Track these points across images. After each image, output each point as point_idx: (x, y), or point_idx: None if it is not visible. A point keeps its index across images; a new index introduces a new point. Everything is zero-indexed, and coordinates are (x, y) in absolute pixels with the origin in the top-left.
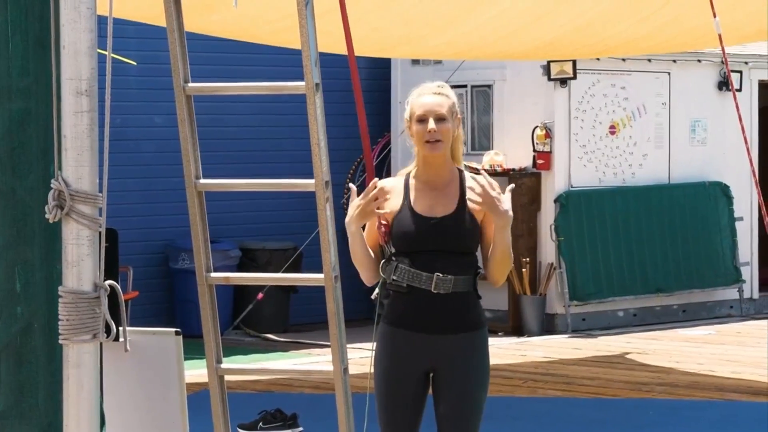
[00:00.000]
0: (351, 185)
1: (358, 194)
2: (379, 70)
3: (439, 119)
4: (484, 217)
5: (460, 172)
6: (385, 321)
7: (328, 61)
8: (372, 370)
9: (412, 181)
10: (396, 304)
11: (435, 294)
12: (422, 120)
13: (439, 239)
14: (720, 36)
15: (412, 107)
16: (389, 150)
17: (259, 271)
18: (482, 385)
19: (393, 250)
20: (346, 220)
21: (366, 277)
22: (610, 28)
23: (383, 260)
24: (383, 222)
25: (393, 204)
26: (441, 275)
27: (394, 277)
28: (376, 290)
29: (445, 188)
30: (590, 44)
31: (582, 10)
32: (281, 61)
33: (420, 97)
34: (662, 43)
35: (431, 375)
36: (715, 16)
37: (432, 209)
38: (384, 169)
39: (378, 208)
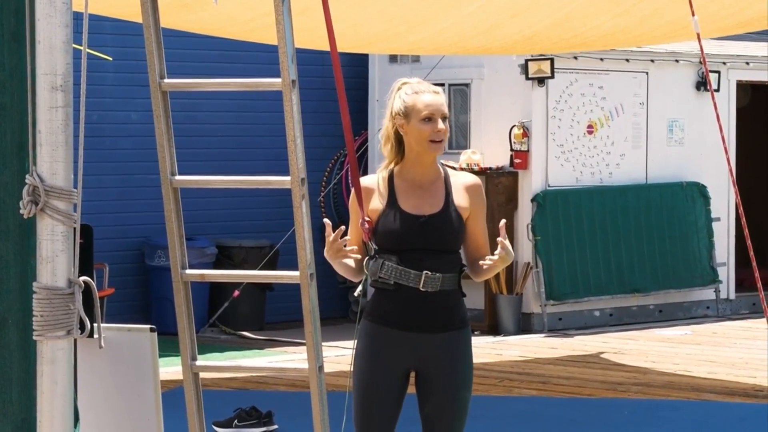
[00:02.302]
0: (326, 220)
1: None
2: (357, 68)
3: (444, 119)
4: (469, 215)
5: (444, 169)
6: (367, 318)
7: (303, 58)
8: (351, 368)
9: (396, 179)
10: (381, 301)
11: (422, 292)
12: (428, 119)
13: (428, 238)
14: (698, 35)
15: (413, 104)
16: (366, 148)
17: (235, 268)
18: (467, 385)
19: (376, 247)
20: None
21: (354, 279)
22: (589, 21)
23: (367, 257)
24: (366, 219)
25: (377, 202)
26: (430, 273)
27: (381, 275)
28: (359, 287)
29: (431, 186)
30: (568, 38)
31: (561, 4)
32: (257, 58)
33: (421, 95)
34: (641, 36)
35: (414, 374)
36: (693, 15)
37: (419, 207)
38: (361, 168)
39: (347, 245)
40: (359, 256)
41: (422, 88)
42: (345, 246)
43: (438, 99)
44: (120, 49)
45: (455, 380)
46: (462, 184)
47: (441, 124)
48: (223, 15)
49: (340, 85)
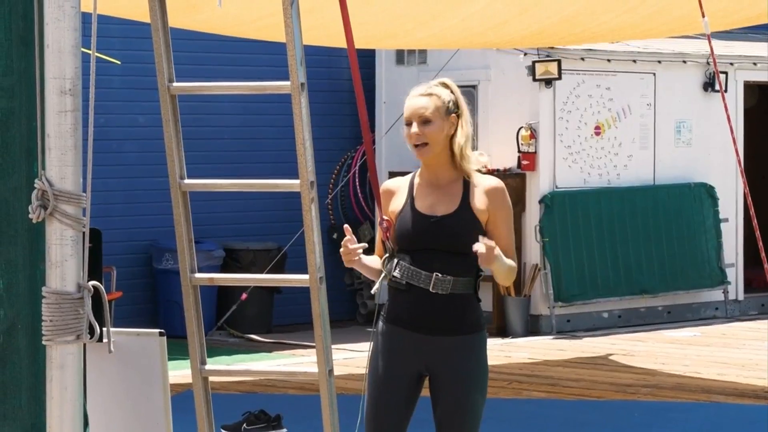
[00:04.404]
0: (345, 226)
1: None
2: (363, 70)
3: (424, 122)
4: (489, 219)
5: (466, 171)
6: (383, 318)
7: (309, 60)
8: (367, 368)
9: (417, 180)
10: (395, 301)
11: (433, 294)
12: (408, 123)
13: (438, 238)
14: (709, 38)
15: (404, 109)
16: (373, 150)
17: (242, 271)
18: (479, 389)
19: (393, 247)
20: None
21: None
22: (597, 18)
23: (385, 256)
24: (385, 218)
25: (397, 202)
26: (440, 275)
27: (395, 274)
28: (377, 284)
29: (449, 188)
30: (576, 33)
31: (568, 1)
32: (264, 61)
33: (409, 99)
34: (649, 30)
35: (427, 377)
36: (704, 17)
37: (433, 208)
38: (367, 170)
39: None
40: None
41: (415, 92)
42: (357, 252)
43: (420, 102)
44: (126, 52)
45: (465, 384)
46: (482, 187)
47: (415, 128)
48: (230, 14)
49: (358, 86)
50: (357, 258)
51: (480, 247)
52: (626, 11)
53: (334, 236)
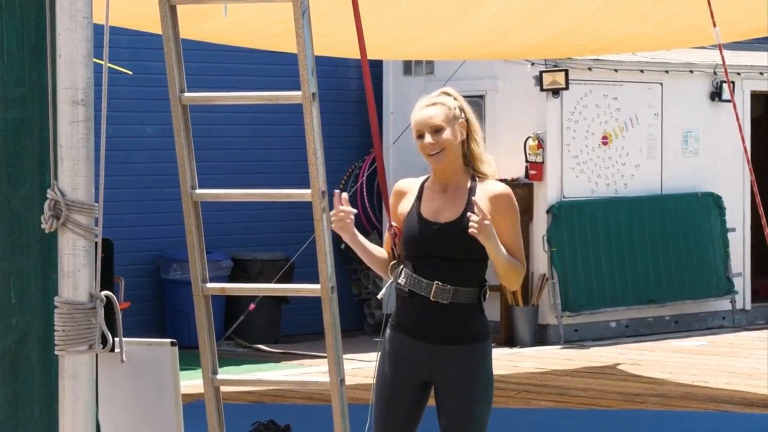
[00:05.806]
0: (336, 191)
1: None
2: (371, 81)
3: (436, 131)
4: (493, 225)
5: (474, 177)
6: (390, 325)
7: (317, 71)
8: (375, 374)
9: (426, 184)
10: (400, 308)
11: (434, 302)
12: (420, 136)
13: (439, 245)
14: (720, 47)
15: (412, 124)
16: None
17: (250, 281)
18: (482, 399)
19: (401, 252)
20: None
21: (380, 272)
22: (605, 26)
23: (393, 261)
24: (394, 224)
25: (405, 205)
26: (440, 284)
27: (399, 281)
28: (383, 290)
29: (454, 194)
30: (585, 43)
31: (576, 8)
32: (272, 71)
33: (417, 113)
34: (658, 41)
35: (432, 384)
36: (715, 26)
37: (437, 214)
38: (375, 180)
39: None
40: (385, 254)
41: (421, 104)
42: (350, 215)
43: (425, 113)
44: (135, 63)
45: (466, 394)
46: (487, 193)
47: (428, 138)
48: (239, 21)
49: (369, 93)
50: (349, 221)
51: (473, 216)
52: (634, 18)
53: (342, 246)
